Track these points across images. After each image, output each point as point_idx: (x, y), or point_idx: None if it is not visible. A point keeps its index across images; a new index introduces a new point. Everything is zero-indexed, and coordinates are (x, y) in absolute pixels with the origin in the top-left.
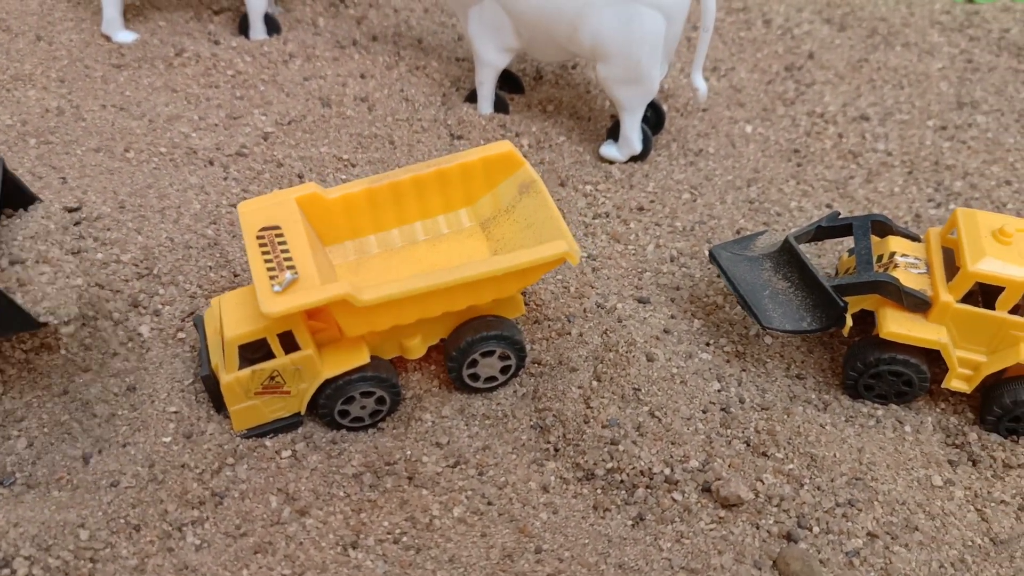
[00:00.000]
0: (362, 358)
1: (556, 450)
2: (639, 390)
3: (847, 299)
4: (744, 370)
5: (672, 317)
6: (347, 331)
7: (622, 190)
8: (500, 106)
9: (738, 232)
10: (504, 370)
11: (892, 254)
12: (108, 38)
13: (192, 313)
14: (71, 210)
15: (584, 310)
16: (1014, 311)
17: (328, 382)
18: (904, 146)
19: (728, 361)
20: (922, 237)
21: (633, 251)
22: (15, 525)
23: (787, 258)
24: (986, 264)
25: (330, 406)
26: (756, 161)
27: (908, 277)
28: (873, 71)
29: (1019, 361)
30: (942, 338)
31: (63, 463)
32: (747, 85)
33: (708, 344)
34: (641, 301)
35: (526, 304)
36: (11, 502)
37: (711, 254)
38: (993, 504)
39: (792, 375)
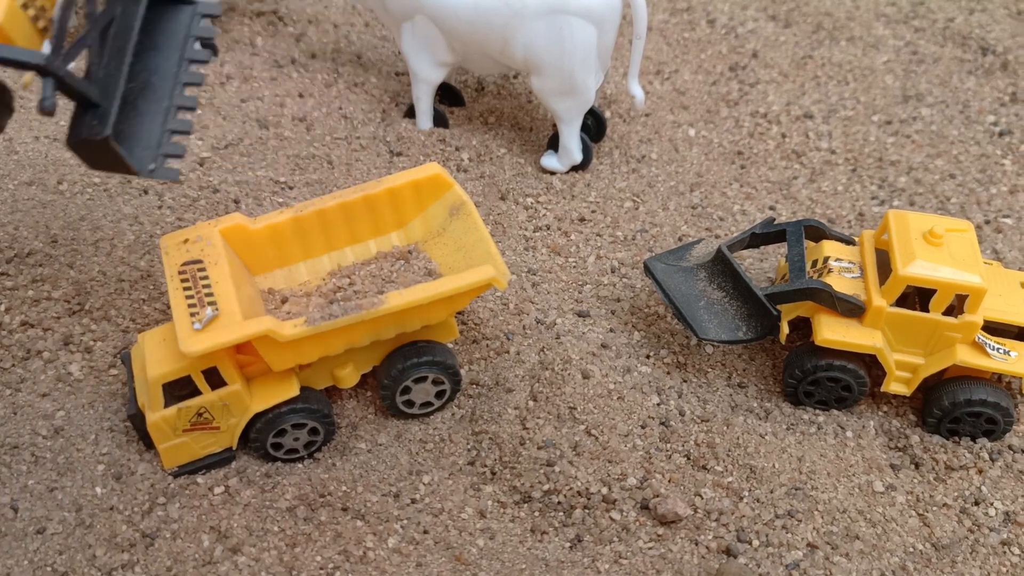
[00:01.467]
0: (292, 390)
1: (493, 473)
2: (575, 408)
3: (782, 306)
4: (685, 381)
5: (611, 331)
6: (273, 365)
7: (563, 201)
8: (440, 120)
9: (680, 239)
10: (439, 395)
11: (826, 259)
12: None
13: (124, 348)
14: None
15: (523, 327)
16: (949, 312)
17: (259, 416)
18: (848, 143)
19: (668, 373)
20: (857, 240)
21: (574, 264)
22: None
23: (721, 268)
24: (916, 267)
25: (262, 439)
26: (699, 165)
27: (842, 282)
28: (817, 67)
29: (956, 362)
30: (877, 343)
31: None
32: (691, 87)
33: (648, 356)
34: (581, 315)
35: (464, 323)
36: None
37: (646, 266)
38: (935, 508)
39: (734, 384)
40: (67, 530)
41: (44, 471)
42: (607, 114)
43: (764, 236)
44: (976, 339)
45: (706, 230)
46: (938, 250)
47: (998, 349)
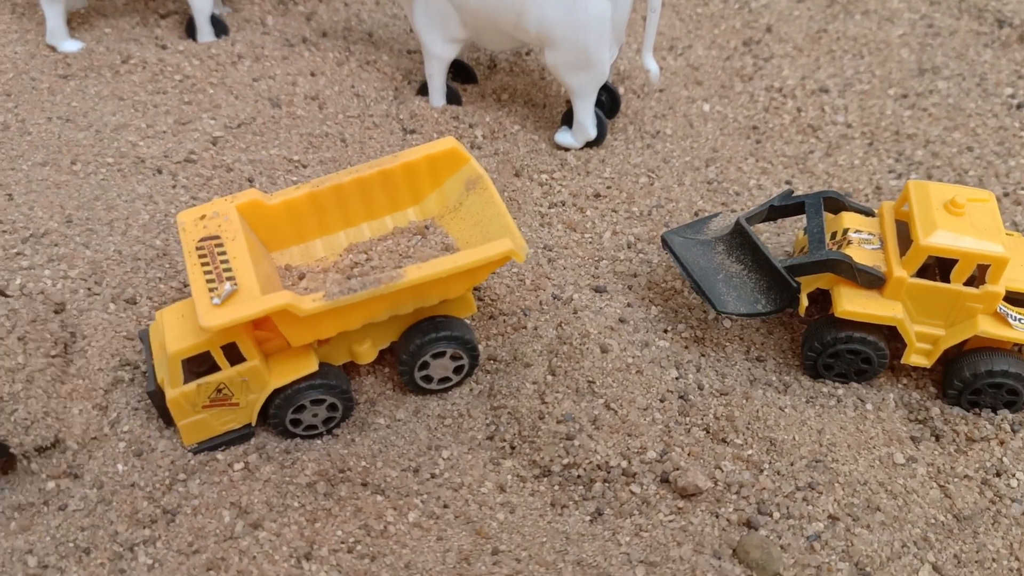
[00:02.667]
0: (311, 366)
1: (512, 448)
2: (594, 383)
3: (801, 279)
4: (703, 355)
5: (629, 305)
6: (292, 340)
7: (578, 177)
8: (453, 97)
9: (696, 214)
10: (457, 370)
11: (845, 231)
12: (53, 48)
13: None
14: None
15: (540, 303)
16: (969, 282)
17: (277, 392)
18: (864, 117)
19: (687, 347)
20: (876, 212)
21: (590, 239)
22: None
23: (739, 240)
24: (938, 237)
25: (281, 416)
26: (714, 140)
27: (862, 253)
28: (832, 41)
29: (977, 333)
30: (897, 314)
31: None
32: (705, 62)
33: (666, 331)
34: (598, 291)
35: (481, 299)
36: None
37: (663, 240)
38: (956, 479)
39: (752, 358)
40: (88, 507)
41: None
42: (621, 90)
43: (783, 208)
44: (998, 310)
45: (722, 205)
46: (960, 220)
47: (1020, 319)
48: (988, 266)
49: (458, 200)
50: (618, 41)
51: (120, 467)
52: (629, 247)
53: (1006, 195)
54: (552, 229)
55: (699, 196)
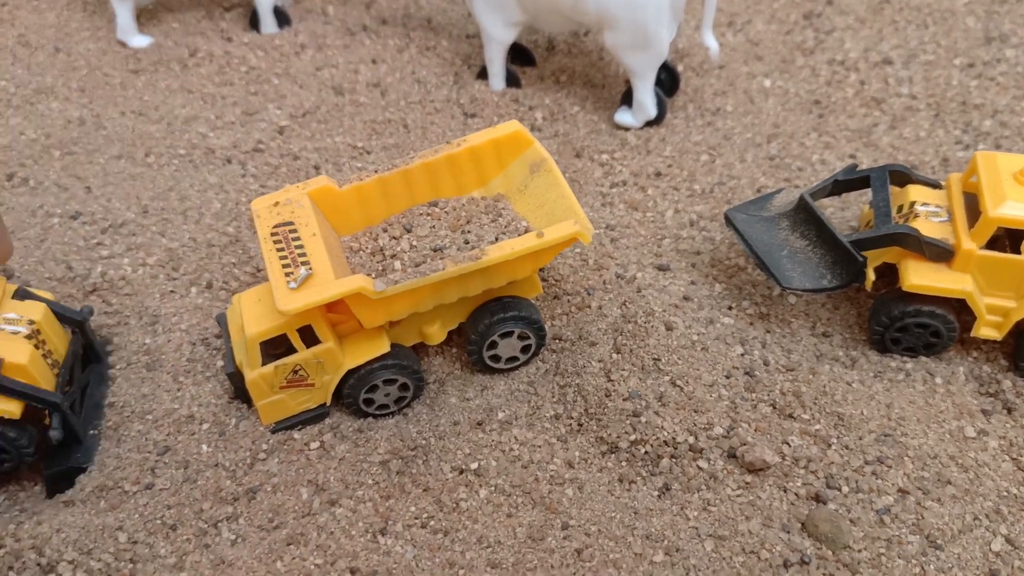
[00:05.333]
0: (383, 347)
1: (580, 425)
2: (659, 360)
3: (867, 253)
4: (768, 332)
5: (692, 283)
6: (365, 322)
7: (639, 156)
8: (512, 80)
9: (759, 191)
10: (524, 349)
11: (912, 204)
12: (124, 44)
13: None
14: None
15: (604, 282)
16: None
17: (351, 372)
18: (929, 88)
19: (752, 324)
20: (944, 184)
21: (652, 218)
22: (57, 531)
23: (804, 216)
24: (1008, 208)
25: (354, 395)
26: (776, 116)
27: (929, 226)
28: (895, 12)
29: None
30: (967, 287)
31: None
32: (764, 37)
33: (730, 308)
34: (661, 269)
35: (545, 280)
36: (54, 507)
37: (727, 217)
38: None
39: (818, 333)
40: (175, 486)
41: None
42: (680, 67)
43: (847, 183)
44: None
45: (785, 181)
46: None
47: None
48: None
49: (523, 182)
50: (677, 19)
51: (205, 448)
52: (691, 225)
53: None
54: (614, 209)
55: (761, 172)
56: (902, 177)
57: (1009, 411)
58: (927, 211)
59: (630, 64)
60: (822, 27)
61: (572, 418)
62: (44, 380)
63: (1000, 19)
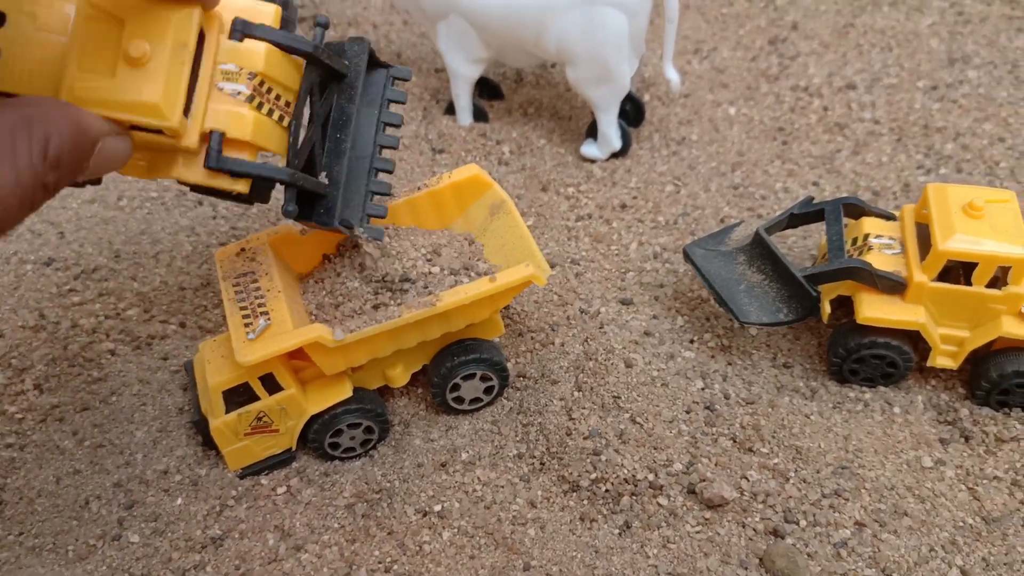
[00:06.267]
0: (345, 392)
1: (542, 464)
2: (619, 398)
3: (823, 286)
4: (730, 364)
5: (655, 317)
6: (325, 370)
7: (604, 188)
8: (480, 115)
9: (722, 221)
10: (488, 391)
11: (866, 236)
12: None
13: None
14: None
15: (568, 318)
16: (993, 284)
17: (315, 417)
18: (892, 112)
19: (713, 356)
20: (897, 215)
21: (616, 251)
22: None
23: (760, 250)
24: (956, 241)
25: (320, 440)
26: (740, 144)
27: (882, 259)
28: (860, 35)
29: (1001, 335)
30: (919, 318)
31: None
32: (730, 64)
33: (692, 341)
34: (624, 303)
35: (510, 317)
36: (25, 558)
37: (685, 252)
38: (985, 481)
39: (779, 364)
40: (143, 539)
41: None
42: (646, 97)
43: (803, 216)
44: (1022, 310)
45: (748, 210)
46: (979, 223)
47: None
48: (1010, 268)
49: (483, 225)
50: (637, 52)
51: (179, 501)
52: (655, 257)
53: None
54: (579, 242)
55: (725, 202)
56: (856, 210)
57: (967, 439)
58: (880, 243)
59: (592, 98)
60: (787, 53)
61: (535, 457)
62: (274, 143)
63: (963, 40)
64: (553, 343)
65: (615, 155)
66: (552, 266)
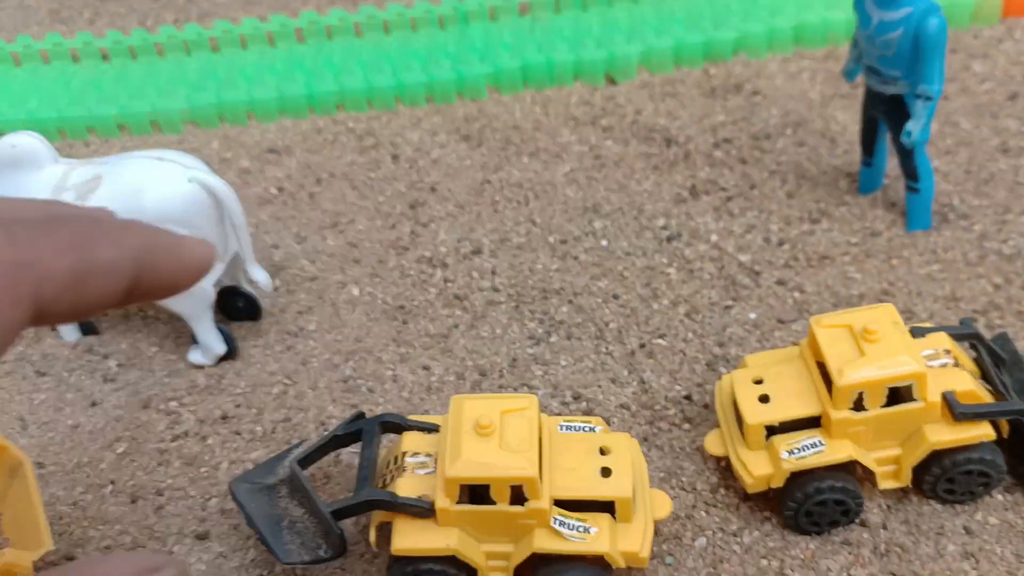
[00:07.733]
0: None
1: None
2: None
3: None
4: None
5: (222, 555)
6: None
7: (209, 398)
8: (88, 328)
9: (323, 423)
10: None
11: (404, 455)
12: None
13: None
14: None
15: None
16: (519, 500)
17: None
18: (513, 276)
19: None
20: (440, 426)
21: (205, 474)
22: None
23: (296, 483)
24: (459, 467)
25: None
26: (359, 329)
27: (412, 482)
28: (496, 191)
29: (534, 550)
30: (451, 543)
31: None
32: (365, 237)
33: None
34: (200, 538)
35: None
36: None
37: (230, 489)
38: None
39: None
40: None
41: None
42: (276, 282)
43: (345, 437)
44: (551, 522)
45: (352, 406)
46: (488, 440)
47: (576, 527)
48: (521, 485)
49: (2, 490)
50: (228, 250)
51: None
52: None
53: (642, 347)
54: (169, 468)
55: (331, 400)
56: (396, 426)
57: None
58: (415, 463)
59: (177, 310)
60: (421, 218)
61: None
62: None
63: (597, 186)
64: None
65: (224, 357)
66: (133, 501)
